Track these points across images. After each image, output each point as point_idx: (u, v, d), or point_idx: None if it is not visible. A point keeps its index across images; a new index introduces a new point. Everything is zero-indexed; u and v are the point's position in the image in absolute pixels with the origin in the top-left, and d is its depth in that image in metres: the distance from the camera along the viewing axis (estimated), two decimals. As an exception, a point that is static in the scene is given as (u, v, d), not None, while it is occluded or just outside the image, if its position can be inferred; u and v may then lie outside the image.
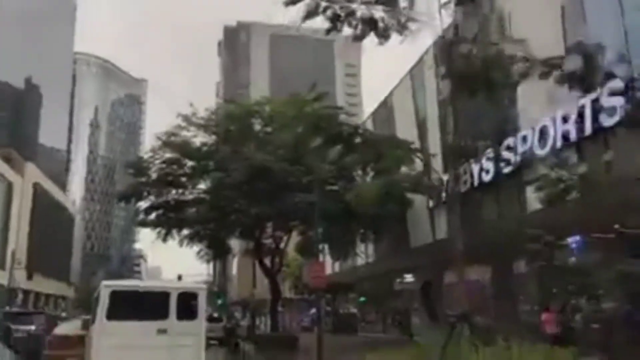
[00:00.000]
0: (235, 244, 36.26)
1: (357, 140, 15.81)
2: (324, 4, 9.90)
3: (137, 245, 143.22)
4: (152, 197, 25.72)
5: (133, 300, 10.11)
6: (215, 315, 35.15)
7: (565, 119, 12.85)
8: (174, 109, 25.30)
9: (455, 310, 10.27)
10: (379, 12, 10.05)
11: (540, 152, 13.65)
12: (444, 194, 18.72)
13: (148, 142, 28.60)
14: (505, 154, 15.33)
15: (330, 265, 28.64)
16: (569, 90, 12.32)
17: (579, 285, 16.67)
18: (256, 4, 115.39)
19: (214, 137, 25.50)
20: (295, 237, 28.50)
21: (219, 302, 51.32)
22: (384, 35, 9.96)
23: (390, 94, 25.35)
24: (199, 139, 25.31)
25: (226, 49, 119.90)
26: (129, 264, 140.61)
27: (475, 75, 9.22)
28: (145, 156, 26.46)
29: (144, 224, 27.39)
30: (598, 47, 10.62)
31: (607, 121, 11.61)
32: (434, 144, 19.54)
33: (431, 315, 25.75)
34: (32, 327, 18.09)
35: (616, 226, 14.79)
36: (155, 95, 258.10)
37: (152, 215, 26.22)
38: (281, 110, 22.41)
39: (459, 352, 7.69)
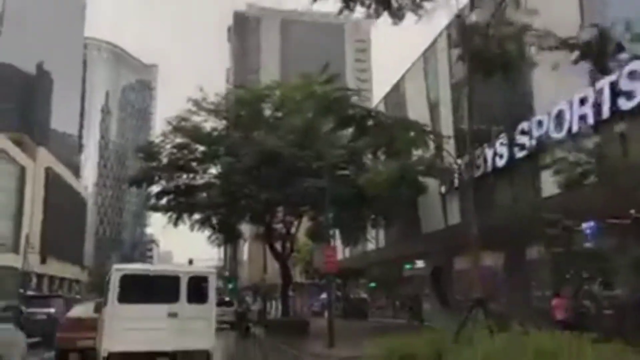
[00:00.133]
0: (245, 228, 36.36)
1: (370, 123, 15.55)
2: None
3: (148, 230, 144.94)
4: (163, 182, 25.81)
5: (144, 283, 10.15)
6: (227, 299, 35.43)
7: (582, 102, 12.56)
8: (184, 94, 25.22)
9: (469, 295, 10.17)
10: None
11: (556, 136, 13.39)
12: (456, 180, 18.52)
13: (159, 127, 28.62)
14: (520, 139, 15.08)
15: (340, 251, 28.63)
16: (587, 73, 12.12)
17: (593, 271, 16.51)
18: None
19: (224, 122, 25.46)
20: (305, 223, 28.49)
21: (230, 286, 51.69)
22: (398, 15, 9.73)
23: (402, 77, 25.05)
24: (210, 123, 25.31)
25: (236, 34, 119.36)
26: (141, 248, 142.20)
27: (492, 55, 8.98)
28: (156, 140, 26.46)
29: (155, 208, 27.54)
30: (617, 28, 10.35)
31: (625, 104, 11.32)
32: (447, 129, 19.31)
33: (442, 300, 25.72)
34: (52, 310, 18.42)
35: (632, 211, 14.57)
36: (165, 81, 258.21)
37: (163, 200, 26.34)
38: (292, 95, 22.21)
39: (472, 337, 7.61)
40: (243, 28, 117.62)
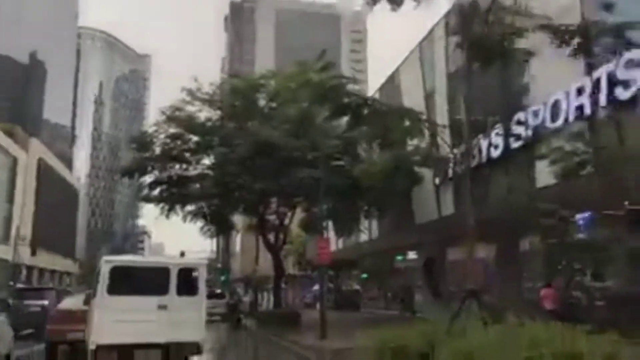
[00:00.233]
0: (238, 220, 36.22)
1: (366, 111, 15.39)
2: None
3: (140, 222, 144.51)
4: (155, 172, 25.57)
5: (133, 275, 10.05)
6: (218, 291, 35.33)
7: (579, 92, 12.44)
8: (179, 85, 24.91)
9: (462, 287, 10.08)
10: None
11: (552, 126, 13.28)
12: (450, 170, 18.42)
13: (152, 118, 28.37)
14: (516, 129, 14.97)
15: (333, 242, 28.55)
16: (585, 62, 11.99)
17: (585, 263, 16.51)
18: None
19: (218, 112, 25.23)
20: (299, 214, 28.38)
21: (222, 278, 51.62)
22: (396, 1, 9.55)
23: (398, 68, 24.90)
24: (204, 113, 25.07)
25: (232, 24, 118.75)
26: (133, 240, 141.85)
27: (491, 42, 8.82)
28: (150, 131, 26.19)
29: (147, 199, 27.33)
30: (615, 17, 10.23)
31: (623, 94, 11.21)
32: (442, 119, 19.17)
33: (434, 292, 25.73)
34: (46, 302, 18.34)
35: (625, 203, 14.53)
36: (159, 72, 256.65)
37: (156, 191, 26.13)
38: (287, 84, 21.98)
39: (465, 329, 7.51)
40: (238, 18, 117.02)
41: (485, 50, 9.29)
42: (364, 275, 41.26)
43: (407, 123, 14.18)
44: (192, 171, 26.09)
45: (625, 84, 11.05)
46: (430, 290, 26.50)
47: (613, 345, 5.79)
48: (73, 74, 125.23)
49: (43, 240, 51.89)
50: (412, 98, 21.99)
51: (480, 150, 16.70)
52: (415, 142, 17.27)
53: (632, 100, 10.93)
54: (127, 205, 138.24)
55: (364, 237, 28.85)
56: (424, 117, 16.55)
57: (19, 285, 34.73)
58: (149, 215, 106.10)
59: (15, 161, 50.56)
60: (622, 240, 13.84)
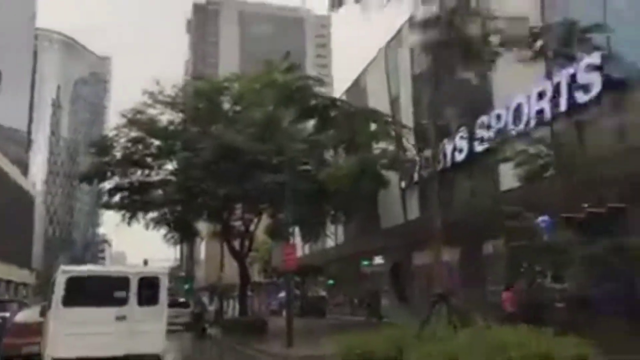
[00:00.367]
0: (203, 226, 35.56)
1: (333, 113, 15.25)
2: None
3: (101, 230, 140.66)
4: (116, 178, 24.78)
5: (91, 286, 9.77)
6: (182, 300, 34.61)
7: (540, 96, 12.66)
8: (140, 88, 24.25)
9: (430, 291, 10.05)
10: None
11: (514, 130, 13.47)
12: (416, 174, 18.50)
13: (113, 122, 27.51)
14: (479, 132, 15.14)
15: (300, 248, 28.34)
16: (546, 66, 12.22)
17: (546, 265, 16.82)
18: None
19: (181, 115, 24.67)
20: (265, 220, 28.04)
21: (186, 286, 50.64)
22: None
23: (364, 72, 24.97)
24: (166, 117, 24.45)
25: (195, 26, 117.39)
26: (93, 249, 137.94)
27: (456, 44, 8.85)
28: (110, 134, 25.40)
29: (107, 206, 26.44)
30: (575, 22, 10.44)
31: (582, 98, 11.44)
32: (408, 124, 19.25)
33: (400, 296, 25.80)
34: (7, 315, 17.56)
35: (584, 205, 14.88)
36: (121, 75, 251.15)
37: (116, 197, 25.31)
38: (251, 86, 21.68)
39: (435, 333, 7.45)
40: (202, 20, 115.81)
41: (450, 52, 9.32)
42: (330, 281, 41.15)
43: (373, 126, 14.14)
44: (155, 177, 25.39)
45: (585, 88, 11.28)
46: (396, 294, 26.57)
47: (578, 347, 5.82)
48: (29, 76, 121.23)
49: (-4, 249, 49.77)
50: (377, 102, 22.05)
51: (445, 154, 16.83)
52: (382, 145, 17.30)
53: (592, 103, 11.16)
54: (87, 212, 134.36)
55: (330, 242, 28.73)
56: (391, 119, 16.59)
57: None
58: (110, 223, 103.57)
59: (-34, 167, 48.45)
60: (582, 242, 14.12)
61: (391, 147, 17.45)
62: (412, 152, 17.30)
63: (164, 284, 10.26)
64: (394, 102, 21.32)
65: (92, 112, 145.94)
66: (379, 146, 17.78)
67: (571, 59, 10.51)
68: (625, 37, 10.56)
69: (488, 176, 15.19)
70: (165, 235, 28.82)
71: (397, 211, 20.94)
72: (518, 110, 13.54)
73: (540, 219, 15.79)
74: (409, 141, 16.12)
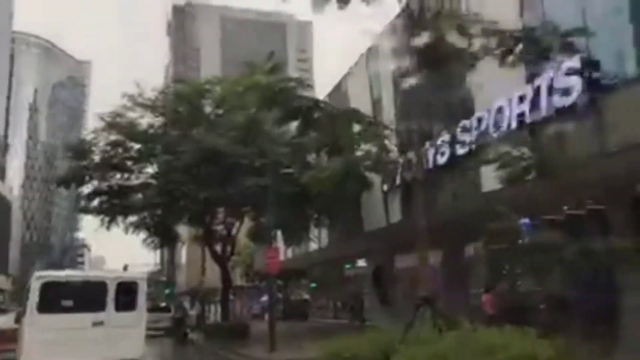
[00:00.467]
0: (183, 230, 35.21)
1: (317, 114, 15.17)
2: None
3: (80, 235, 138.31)
4: (94, 182, 24.39)
5: (67, 291, 9.58)
6: (163, 305, 34.21)
7: (521, 100, 12.77)
8: (120, 92, 23.91)
9: (414, 294, 10.03)
10: None
11: (495, 133, 13.56)
12: (398, 177, 18.52)
13: (92, 126, 27.03)
14: (461, 136, 15.21)
15: (282, 252, 28.18)
16: (526, 69, 12.34)
17: (527, 267, 16.96)
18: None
19: (161, 118, 24.39)
20: (247, 224, 27.87)
21: (167, 291, 50.07)
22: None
23: (346, 75, 24.97)
24: (146, 120, 24.15)
25: (175, 30, 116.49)
26: (72, 254, 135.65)
27: (438, 48, 8.87)
28: (88, 138, 24.98)
29: (85, 210, 25.98)
30: (555, 26, 10.54)
31: (562, 102, 11.56)
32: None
33: (383, 300, 25.80)
34: None
35: (565, 208, 15.04)
36: (100, 79, 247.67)
37: (95, 202, 24.89)
38: (234, 90, 21.50)
39: (420, 337, 7.41)
40: (182, 23, 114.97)
41: (433, 54, 9.34)
42: (313, 285, 41.06)
43: (356, 128, 14.10)
44: (135, 180, 25.06)
45: (565, 92, 11.40)
46: (379, 298, 26.56)
47: (561, 349, 5.83)
48: (6, 80, 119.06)
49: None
50: (359, 106, 21.98)
51: (427, 158, 16.87)
52: (365, 147, 17.27)
53: (572, 107, 11.28)
54: (65, 217, 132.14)
55: (313, 246, 28.64)
56: (373, 121, 16.56)
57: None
58: (89, 227, 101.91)
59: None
60: (561, 244, 14.27)
61: (374, 149, 17.41)
62: (394, 154, 17.30)
63: (143, 288, 10.13)
64: (376, 105, 21.36)
65: (70, 116, 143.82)
66: (362, 148, 17.73)
67: (551, 63, 10.61)
68: (603, 40, 10.72)
69: (470, 179, 15.26)
70: (145, 240, 28.45)
71: (379, 214, 20.94)
72: (499, 113, 13.63)
73: (522, 221, 15.97)
74: (392, 143, 16.11)
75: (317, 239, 27.83)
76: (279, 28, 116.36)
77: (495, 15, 10.52)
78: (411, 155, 14.74)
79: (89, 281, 10.29)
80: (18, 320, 10.59)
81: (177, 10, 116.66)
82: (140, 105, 23.68)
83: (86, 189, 24.71)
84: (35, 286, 9.08)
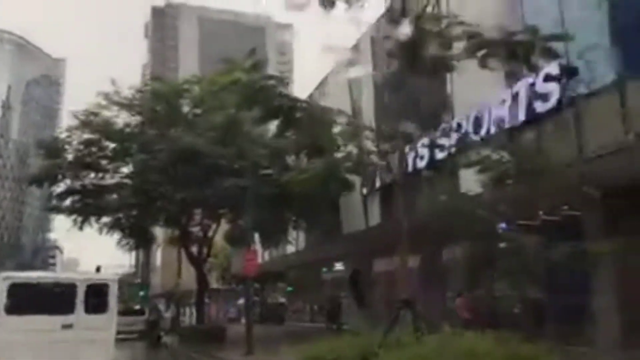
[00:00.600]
0: (159, 232, 34.67)
1: (298, 114, 15.01)
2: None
3: (52, 235, 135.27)
4: (67, 181, 23.81)
5: (36, 293, 9.29)
6: (137, 307, 33.59)
7: (501, 104, 12.86)
8: (95, 90, 23.43)
9: (394, 297, 9.97)
10: None
11: (475, 137, 13.64)
12: (378, 180, 18.53)
13: (66, 125, 26.42)
14: (441, 140, 15.27)
15: (259, 254, 27.96)
16: (505, 75, 12.42)
17: (502, 271, 17.09)
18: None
19: (138, 117, 23.97)
20: (224, 226, 27.55)
21: (141, 293, 49.25)
22: (328, 3, 9.33)
23: (325, 79, 24.94)
24: (122, 119, 23.68)
25: (154, 31, 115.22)
26: (43, 255, 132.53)
27: (420, 50, 8.85)
28: (62, 136, 24.40)
29: (57, 209, 25.39)
30: (534, 31, 10.61)
31: (541, 107, 11.67)
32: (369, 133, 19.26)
33: (360, 303, 25.74)
34: None
35: (540, 212, 15.18)
36: (77, 78, 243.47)
37: (67, 201, 24.30)
38: (212, 89, 21.21)
39: (400, 340, 7.33)
40: (160, 24, 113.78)
41: (415, 57, 9.31)
42: (290, 288, 40.85)
43: (336, 129, 14.01)
44: (109, 180, 24.56)
45: (544, 97, 11.52)
46: (356, 301, 26.51)
47: (543, 353, 5.81)
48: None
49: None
50: (340, 107, 22.03)
51: (406, 161, 16.89)
52: (346, 148, 17.22)
53: (550, 112, 11.40)
54: (37, 217, 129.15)
55: (291, 248, 28.48)
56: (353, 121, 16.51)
57: None
58: (62, 228, 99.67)
59: None
60: (537, 249, 14.40)
61: (355, 151, 17.35)
62: (374, 157, 17.27)
63: (114, 291, 9.88)
64: (356, 108, 21.35)
65: (44, 114, 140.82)
66: (343, 150, 17.66)
67: (531, 68, 10.70)
68: (582, 45, 10.83)
69: (449, 183, 15.32)
70: (119, 241, 27.89)
71: (358, 217, 20.92)
72: (478, 118, 13.73)
73: (500, 225, 16.07)
74: (372, 145, 16.08)
75: (295, 242, 27.68)
76: (257, 31, 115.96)
77: (476, 19, 10.58)
78: (391, 157, 14.70)
79: (58, 283, 10.00)
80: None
81: (156, 12, 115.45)
82: (117, 103, 23.26)
83: (59, 188, 24.12)
84: (1, 288, 8.80)
